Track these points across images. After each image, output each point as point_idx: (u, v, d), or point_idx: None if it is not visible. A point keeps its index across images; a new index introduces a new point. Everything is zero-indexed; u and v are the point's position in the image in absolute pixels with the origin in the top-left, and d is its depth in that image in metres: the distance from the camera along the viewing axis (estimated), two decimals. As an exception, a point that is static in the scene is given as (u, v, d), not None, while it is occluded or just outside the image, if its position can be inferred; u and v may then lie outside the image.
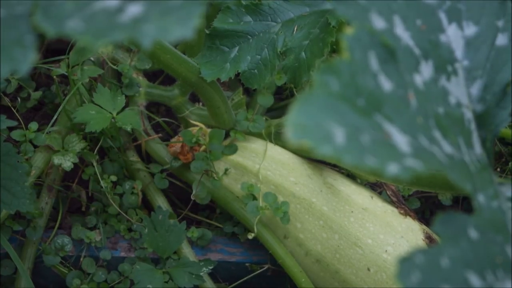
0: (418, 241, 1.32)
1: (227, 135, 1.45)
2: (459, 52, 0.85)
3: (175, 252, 1.42)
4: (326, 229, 1.35)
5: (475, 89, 0.86)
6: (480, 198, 0.73)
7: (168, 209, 1.47)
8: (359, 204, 1.36)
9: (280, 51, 1.28)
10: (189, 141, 1.42)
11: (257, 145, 1.45)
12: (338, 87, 0.65)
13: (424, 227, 1.36)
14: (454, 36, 0.85)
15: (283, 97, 1.65)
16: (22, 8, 0.68)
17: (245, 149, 1.44)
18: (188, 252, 1.43)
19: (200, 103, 1.54)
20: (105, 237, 1.45)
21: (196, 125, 1.46)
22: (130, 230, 1.47)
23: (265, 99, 1.48)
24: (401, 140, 0.66)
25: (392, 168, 0.62)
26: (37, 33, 0.66)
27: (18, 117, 1.49)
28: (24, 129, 1.42)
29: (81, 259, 1.44)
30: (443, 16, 0.85)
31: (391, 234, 1.32)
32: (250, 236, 1.38)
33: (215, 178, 1.42)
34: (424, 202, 1.59)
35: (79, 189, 1.51)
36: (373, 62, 0.69)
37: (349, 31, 0.69)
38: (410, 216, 1.36)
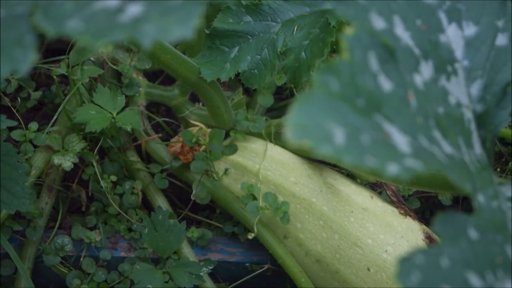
0: (418, 241, 1.32)
1: (227, 135, 1.45)
2: (459, 52, 0.85)
3: (175, 252, 1.42)
4: (326, 229, 1.35)
5: (475, 89, 0.86)
6: (480, 198, 0.73)
7: (168, 209, 1.47)
8: (359, 204, 1.36)
9: (280, 51, 1.28)
10: (189, 141, 1.42)
11: (257, 145, 1.45)
12: (338, 87, 0.65)
13: (424, 227, 1.36)
14: (454, 36, 0.85)
15: (283, 97, 1.65)
16: (22, 8, 0.68)
17: (245, 149, 1.44)
18: (188, 252, 1.43)
19: (200, 103, 1.54)
20: (105, 237, 1.45)
21: (196, 125, 1.46)
22: (130, 230, 1.47)
23: (265, 99, 1.48)
24: (401, 140, 0.66)
25: (392, 168, 0.62)
26: (37, 33, 0.66)
27: (18, 117, 1.49)
28: (24, 129, 1.42)
29: (81, 259, 1.44)
30: (443, 16, 0.85)
31: (391, 234, 1.32)
32: (250, 236, 1.38)
33: (215, 178, 1.42)
34: (424, 202, 1.59)
35: (79, 189, 1.51)
36: (373, 62, 0.69)
37: (349, 31, 0.69)
38: (410, 216, 1.36)
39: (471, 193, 0.72)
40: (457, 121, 0.80)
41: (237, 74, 1.29)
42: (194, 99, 1.55)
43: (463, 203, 1.58)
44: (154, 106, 1.62)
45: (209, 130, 1.44)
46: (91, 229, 1.47)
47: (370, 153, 0.62)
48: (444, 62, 0.83)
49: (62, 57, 1.51)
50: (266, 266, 1.47)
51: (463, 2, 0.87)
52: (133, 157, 1.50)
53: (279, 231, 1.40)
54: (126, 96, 1.47)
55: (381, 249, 1.31)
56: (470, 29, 0.87)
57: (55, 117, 1.45)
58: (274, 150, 1.43)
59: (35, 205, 1.36)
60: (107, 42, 0.64)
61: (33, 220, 1.40)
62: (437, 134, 0.73)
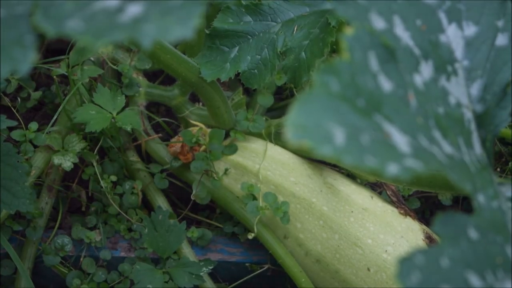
0: (418, 241, 1.32)
1: (227, 135, 1.45)
2: (459, 52, 0.85)
3: (175, 252, 1.42)
4: (326, 229, 1.35)
5: (475, 89, 0.86)
6: (480, 198, 0.73)
7: (168, 209, 1.47)
8: (359, 204, 1.36)
9: (280, 51, 1.28)
10: (189, 141, 1.42)
11: (257, 145, 1.45)
12: (338, 87, 0.65)
13: (424, 227, 1.36)
14: (454, 36, 0.85)
15: (283, 97, 1.65)
16: (22, 8, 0.68)
17: (245, 149, 1.44)
18: (188, 252, 1.43)
19: (200, 103, 1.54)
20: (105, 237, 1.45)
21: (196, 125, 1.46)
22: (130, 230, 1.47)
23: (265, 99, 1.48)
24: (401, 140, 0.66)
25: (392, 168, 0.62)
26: (37, 33, 0.66)
27: (18, 117, 1.49)
28: (24, 129, 1.42)
29: (81, 259, 1.44)
30: (443, 16, 0.85)
31: (391, 234, 1.32)
32: (250, 236, 1.38)
33: (215, 178, 1.42)
34: (424, 202, 1.59)
35: (79, 189, 1.51)
36: (373, 62, 0.69)
37: (349, 31, 0.69)
38: (410, 216, 1.36)
39: (471, 193, 0.72)
40: (457, 121, 0.80)
41: (237, 74, 1.29)
42: (194, 99, 1.55)
43: (463, 203, 1.58)
44: (154, 106, 1.62)
45: (209, 130, 1.44)
46: (91, 229, 1.47)
47: (370, 153, 0.62)
48: (444, 62, 0.83)
49: (62, 57, 1.51)
50: (266, 266, 1.47)
51: (463, 2, 0.87)
52: (133, 157, 1.50)
53: (279, 231, 1.40)
54: (126, 96, 1.47)
55: (381, 249, 1.31)
56: (470, 29, 0.87)
57: (55, 117, 1.45)
58: (274, 150, 1.43)
59: (35, 205, 1.36)
60: (107, 42, 0.64)
61: (33, 220, 1.40)
62: (437, 134, 0.73)
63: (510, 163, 1.57)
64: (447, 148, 0.73)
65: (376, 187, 1.51)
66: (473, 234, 0.68)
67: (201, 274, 1.39)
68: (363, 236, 1.33)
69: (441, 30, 0.84)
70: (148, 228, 1.40)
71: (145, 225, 1.41)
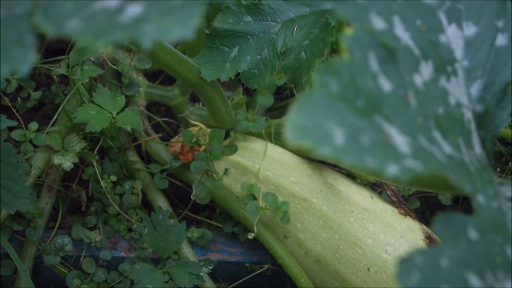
0: (418, 241, 1.32)
1: (227, 135, 1.45)
2: (459, 52, 0.86)
3: (175, 252, 1.42)
4: (326, 229, 1.35)
5: (475, 89, 0.86)
6: (480, 198, 0.73)
7: (168, 209, 1.47)
8: (359, 204, 1.36)
9: (280, 51, 1.28)
10: (189, 141, 1.42)
11: (257, 145, 1.45)
12: (338, 87, 0.65)
13: (424, 227, 1.36)
14: (454, 36, 0.85)
15: (283, 97, 1.65)
16: (22, 8, 0.68)
17: (245, 149, 1.44)
18: (188, 252, 1.43)
19: (200, 103, 1.54)
20: (105, 237, 1.45)
21: (196, 125, 1.46)
22: (130, 230, 1.47)
23: (265, 99, 1.48)
24: (400, 141, 0.66)
25: (392, 169, 0.62)
26: (37, 33, 0.66)
27: (18, 117, 1.49)
28: (24, 129, 1.42)
29: (81, 259, 1.44)
30: (443, 16, 0.85)
31: (391, 234, 1.32)
32: (250, 236, 1.38)
33: (215, 178, 1.42)
34: (424, 202, 1.59)
35: (79, 189, 1.51)
36: (373, 63, 0.69)
37: (349, 31, 0.69)
38: (410, 216, 1.36)
39: (471, 193, 0.72)
40: (457, 122, 0.80)
41: (237, 74, 1.29)
42: (194, 99, 1.55)
43: (463, 203, 1.58)
44: (154, 106, 1.62)
45: (209, 130, 1.44)
46: (91, 229, 1.47)
47: (370, 153, 0.62)
48: (444, 62, 0.83)
49: (62, 57, 1.51)
50: (266, 266, 1.47)
51: (463, 2, 0.87)
52: (133, 157, 1.50)
53: (279, 231, 1.40)
54: (126, 96, 1.47)
55: (381, 249, 1.31)
56: (470, 29, 0.87)
57: (55, 117, 1.45)
58: (274, 150, 1.43)
59: (35, 205, 1.36)
60: (107, 42, 0.64)
61: (33, 220, 1.40)
62: (437, 135, 0.73)
63: (510, 163, 1.57)
64: (447, 148, 0.73)
65: (376, 187, 1.51)
66: (473, 234, 0.68)
67: (201, 274, 1.39)
68: (363, 236, 1.33)
69: (441, 30, 0.84)
70: (148, 228, 1.40)
71: (145, 225, 1.41)
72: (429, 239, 1.33)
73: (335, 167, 1.48)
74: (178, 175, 1.50)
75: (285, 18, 1.29)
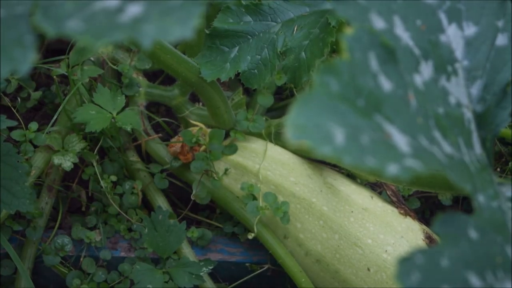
0: (418, 241, 1.32)
1: (227, 135, 1.45)
2: (459, 52, 0.86)
3: (175, 252, 1.42)
4: (326, 229, 1.35)
5: (475, 89, 0.86)
6: (480, 198, 0.73)
7: (168, 209, 1.47)
8: (359, 204, 1.36)
9: (280, 51, 1.28)
10: (189, 141, 1.42)
11: (257, 145, 1.45)
12: (338, 87, 0.65)
13: (424, 227, 1.36)
14: (454, 36, 0.85)
15: (283, 97, 1.65)
16: (22, 8, 0.68)
17: (245, 149, 1.44)
18: (188, 252, 1.43)
19: (200, 103, 1.54)
20: (105, 237, 1.45)
21: (196, 125, 1.46)
22: (130, 230, 1.47)
23: (265, 99, 1.48)
24: (401, 141, 0.66)
25: (392, 169, 0.62)
26: (37, 33, 0.66)
27: (18, 117, 1.49)
28: (24, 129, 1.42)
29: (81, 259, 1.44)
30: (443, 16, 0.85)
31: (391, 234, 1.32)
32: (250, 236, 1.38)
33: (215, 178, 1.42)
34: (424, 202, 1.59)
35: (79, 189, 1.51)
36: (373, 63, 0.69)
37: (349, 31, 0.69)
38: (410, 216, 1.36)
39: (471, 193, 0.72)
40: (457, 121, 0.80)
41: (237, 74, 1.29)
42: (194, 99, 1.55)
43: (463, 203, 1.58)
44: (154, 106, 1.62)
45: (209, 130, 1.44)
46: (91, 229, 1.47)
47: (370, 153, 0.62)
48: (444, 62, 0.83)
49: (62, 57, 1.51)
50: (266, 266, 1.47)
51: (463, 2, 0.87)
52: (133, 157, 1.50)
53: (279, 231, 1.40)
54: (126, 96, 1.47)
55: (381, 249, 1.31)
56: (470, 29, 0.87)
57: (55, 117, 1.45)
58: (274, 150, 1.43)
59: (35, 205, 1.36)
60: (107, 42, 0.64)
61: (33, 220, 1.40)
62: (437, 134, 0.73)
63: (510, 163, 1.57)
64: (447, 148, 0.73)
65: (376, 187, 1.51)
66: (473, 234, 0.68)
67: (201, 274, 1.39)
68: (363, 236, 1.33)
69: (441, 30, 0.84)
70: (148, 228, 1.40)
71: (145, 225, 1.41)
72: (429, 239, 1.33)
73: (335, 167, 1.48)
74: (178, 175, 1.50)
75: (285, 18, 1.29)
